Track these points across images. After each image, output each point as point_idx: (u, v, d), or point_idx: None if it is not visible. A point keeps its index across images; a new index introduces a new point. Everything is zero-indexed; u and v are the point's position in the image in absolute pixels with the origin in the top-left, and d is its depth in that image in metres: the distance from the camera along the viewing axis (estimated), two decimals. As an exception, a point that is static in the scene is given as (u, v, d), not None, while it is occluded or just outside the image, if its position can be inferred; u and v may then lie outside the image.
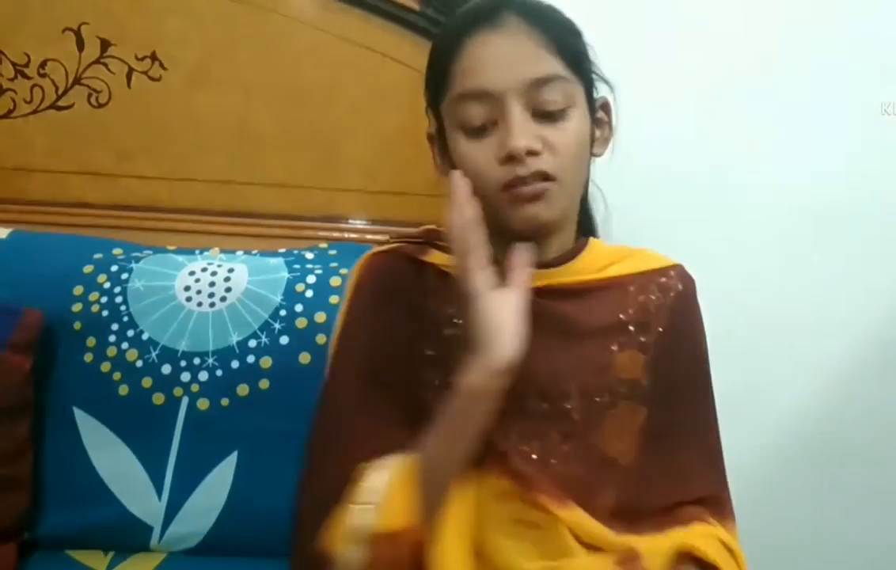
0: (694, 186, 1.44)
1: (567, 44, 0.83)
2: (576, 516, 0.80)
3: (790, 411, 1.63)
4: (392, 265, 0.89)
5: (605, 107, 0.91)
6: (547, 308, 0.84)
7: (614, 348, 0.85)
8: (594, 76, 0.89)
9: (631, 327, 0.86)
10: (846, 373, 1.62)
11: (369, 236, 1.43)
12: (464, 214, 0.77)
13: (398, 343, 0.85)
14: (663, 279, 0.89)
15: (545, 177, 0.79)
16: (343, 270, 1.23)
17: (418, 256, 0.88)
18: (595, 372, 0.84)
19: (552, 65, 0.81)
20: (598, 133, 0.89)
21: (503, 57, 0.80)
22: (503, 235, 0.82)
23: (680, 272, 0.91)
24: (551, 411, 0.83)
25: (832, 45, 1.42)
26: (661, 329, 0.87)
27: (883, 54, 1.43)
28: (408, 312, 0.86)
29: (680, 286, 0.89)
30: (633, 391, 0.85)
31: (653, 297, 0.88)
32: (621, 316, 0.86)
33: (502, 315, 0.75)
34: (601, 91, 0.92)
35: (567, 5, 0.88)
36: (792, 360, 1.59)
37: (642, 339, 0.86)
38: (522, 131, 0.78)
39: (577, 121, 0.82)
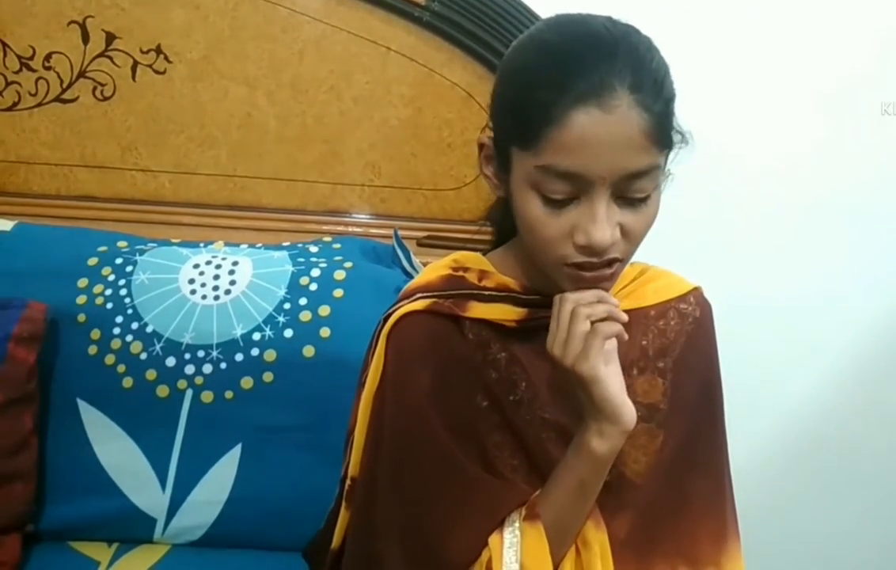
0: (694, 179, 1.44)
1: (666, 125, 0.75)
2: (602, 540, 0.81)
3: (795, 403, 1.64)
4: (430, 326, 0.83)
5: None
6: None
7: (634, 372, 0.85)
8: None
9: (650, 353, 0.87)
10: (851, 366, 1.63)
11: (373, 230, 1.43)
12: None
13: (456, 399, 0.83)
14: (682, 305, 0.89)
15: (614, 261, 0.76)
16: (348, 264, 1.24)
17: (458, 312, 0.83)
18: None
19: (652, 156, 0.73)
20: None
21: (609, 145, 0.71)
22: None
23: (698, 297, 0.91)
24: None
25: (832, 45, 1.42)
26: (677, 353, 0.87)
27: (883, 54, 1.43)
28: (455, 370, 0.83)
29: (698, 313, 0.90)
30: (651, 415, 0.85)
31: (672, 323, 0.88)
32: (643, 342, 0.87)
33: (618, 385, 0.78)
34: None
35: None
36: (797, 353, 1.59)
37: (660, 364, 0.87)
38: (607, 224, 0.73)
39: (656, 197, 0.77)
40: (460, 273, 0.86)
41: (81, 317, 1.14)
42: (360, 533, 0.84)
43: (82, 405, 1.11)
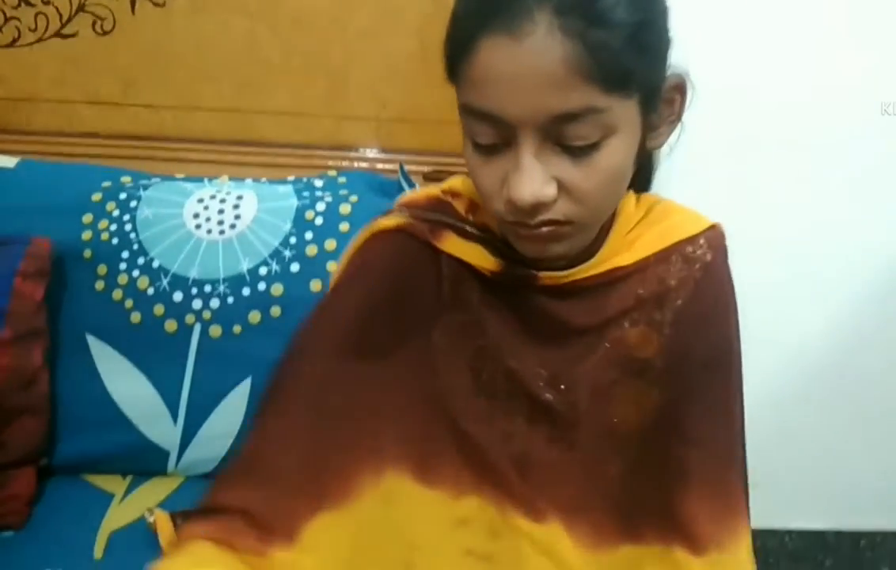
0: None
1: (610, 57, 0.59)
2: (552, 535, 0.73)
3: (808, 337, 1.63)
4: (401, 248, 0.76)
5: (679, 89, 0.70)
6: (550, 309, 0.75)
7: (626, 324, 0.75)
8: (665, 70, 0.68)
9: (646, 303, 0.76)
10: (864, 301, 1.62)
11: (380, 165, 1.41)
12: None
13: (408, 332, 0.76)
14: (690, 248, 0.76)
15: (557, 223, 0.65)
16: (353, 198, 1.22)
17: (431, 240, 0.75)
18: (602, 364, 0.76)
19: (585, 94, 0.59)
20: (658, 122, 0.70)
21: (521, 79, 0.59)
22: None
23: (712, 239, 0.77)
24: (552, 407, 0.76)
25: (832, 45, 1.40)
26: (679, 303, 0.75)
27: (883, 54, 1.41)
28: (417, 300, 0.76)
29: (708, 257, 0.76)
30: (644, 371, 0.76)
31: (674, 268, 0.76)
32: (639, 291, 0.76)
33: None
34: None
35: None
36: (811, 288, 1.58)
37: (657, 316, 0.75)
38: (531, 179, 0.62)
39: (614, 148, 0.63)
40: (448, 198, 0.78)
41: (87, 253, 1.13)
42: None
43: (92, 341, 1.12)
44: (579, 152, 0.62)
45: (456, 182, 0.82)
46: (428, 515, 0.72)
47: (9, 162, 1.22)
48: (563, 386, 0.75)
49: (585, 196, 0.64)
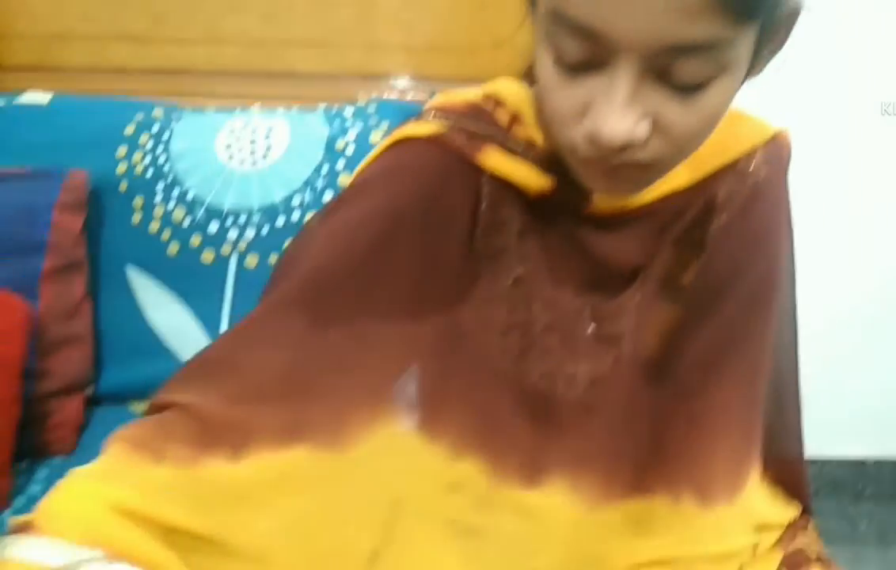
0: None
1: None
2: (547, 499, 0.65)
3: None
4: (435, 160, 0.64)
5: (792, 17, 0.57)
6: (597, 241, 0.66)
7: (666, 242, 0.66)
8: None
9: (688, 218, 0.66)
10: (865, 298, 1.63)
11: (410, 95, 1.40)
12: None
13: (439, 256, 0.65)
14: (743, 163, 0.66)
15: (642, 165, 0.55)
16: (384, 125, 1.21)
17: (470, 153, 0.64)
18: (642, 292, 0.67)
19: (715, 26, 0.48)
20: (767, 54, 0.58)
21: None
22: None
23: (772, 151, 0.67)
24: (591, 344, 0.67)
25: (832, 45, 1.37)
26: (722, 221, 0.65)
27: (883, 54, 1.39)
28: (451, 220, 0.65)
29: (762, 173, 0.66)
30: (677, 295, 0.66)
31: (724, 184, 0.66)
32: (688, 212, 0.66)
33: None
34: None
35: None
36: (812, 287, 1.58)
37: (697, 233, 0.66)
38: (625, 114, 0.51)
39: (723, 88, 0.53)
40: (489, 107, 0.66)
41: (123, 185, 1.14)
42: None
43: (131, 272, 1.14)
44: (684, 90, 0.51)
45: (500, 87, 0.68)
46: (423, 472, 0.62)
47: (42, 98, 1.23)
48: (605, 321, 0.66)
49: (680, 138, 0.54)
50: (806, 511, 0.74)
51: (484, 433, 0.65)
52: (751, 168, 0.66)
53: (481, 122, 0.65)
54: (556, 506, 0.64)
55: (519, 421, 0.65)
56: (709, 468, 0.64)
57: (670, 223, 0.65)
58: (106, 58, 1.36)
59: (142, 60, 1.37)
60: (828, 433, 1.72)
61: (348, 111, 1.26)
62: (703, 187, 0.65)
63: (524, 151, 0.65)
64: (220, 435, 0.55)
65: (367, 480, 0.59)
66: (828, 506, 1.75)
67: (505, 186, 0.64)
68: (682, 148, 0.55)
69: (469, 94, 0.68)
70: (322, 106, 1.30)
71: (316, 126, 1.21)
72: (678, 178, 0.64)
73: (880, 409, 1.73)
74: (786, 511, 0.72)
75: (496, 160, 0.64)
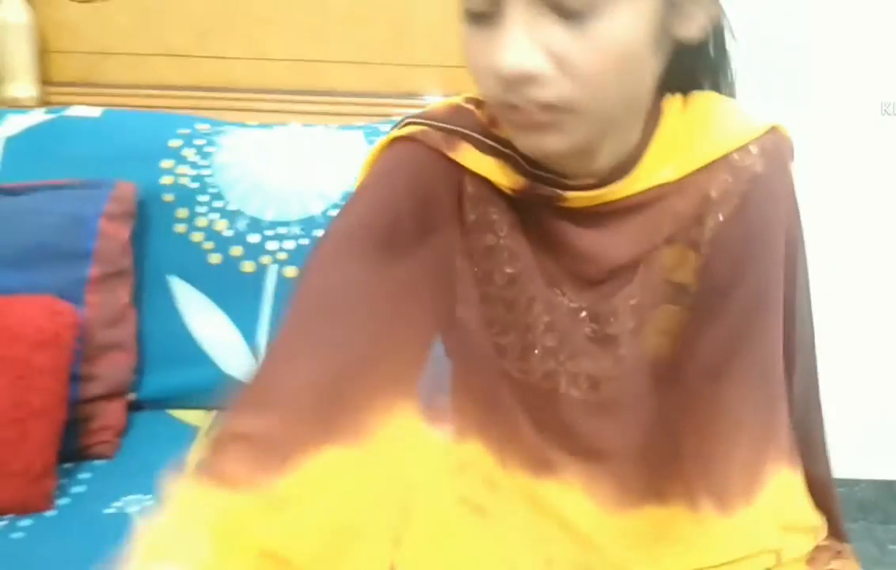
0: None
1: None
2: (560, 492, 0.65)
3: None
4: (420, 157, 0.66)
5: None
6: (580, 238, 0.65)
7: (660, 242, 0.65)
8: None
9: (685, 218, 0.65)
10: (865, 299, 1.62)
11: (445, 113, 1.42)
12: None
13: (435, 251, 0.66)
14: (737, 157, 0.65)
15: (554, 109, 0.55)
16: (421, 141, 1.24)
17: (446, 150, 0.66)
18: (637, 292, 0.66)
19: None
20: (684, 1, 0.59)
21: None
22: None
23: (767, 145, 0.65)
24: (590, 344, 0.67)
25: (832, 45, 1.39)
26: (720, 219, 0.64)
27: (883, 54, 1.40)
28: (440, 217, 0.66)
29: (759, 167, 0.64)
30: (678, 296, 0.65)
31: (719, 180, 0.64)
32: (678, 207, 0.65)
33: None
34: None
35: None
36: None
37: (694, 233, 0.64)
38: (516, 44, 0.53)
39: (619, 18, 0.53)
40: (471, 107, 0.67)
41: (168, 197, 1.18)
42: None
43: (173, 280, 1.17)
44: (576, 18, 0.53)
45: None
46: (431, 454, 0.65)
47: (94, 112, 1.27)
48: (602, 322, 0.66)
49: (584, 74, 0.54)
50: (838, 532, 0.71)
51: (485, 421, 0.66)
52: (745, 162, 0.64)
53: (461, 122, 0.66)
54: (571, 502, 0.65)
55: (520, 413, 0.67)
56: (724, 473, 0.63)
57: (661, 221, 0.64)
58: (150, 74, 1.41)
59: (185, 77, 1.41)
60: (856, 455, 1.72)
61: (384, 127, 1.29)
62: (694, 183, 0.64)
63: (502, 148, 0.65)
64: (270, 457, 0.57)
65: (386, 468, 0.61)
66: (856, 528, 1.74)
67: (485, 184, 0.66)
68: (589, 88, 0.55)
69: (453, 99, 0.70)
70: (359, 122, 1.33)
71: (353, 142, 1.24)
72: (664, 172, 0.64)
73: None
74: (813, 515, 0.70)
75: (471, 157, 0.65)
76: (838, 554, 0.71)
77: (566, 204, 0.63)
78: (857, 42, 1.40)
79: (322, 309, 0.63)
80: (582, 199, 0.63)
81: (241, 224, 1.17)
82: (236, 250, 1.16)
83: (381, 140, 0.69)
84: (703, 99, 0.67)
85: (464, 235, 0.66)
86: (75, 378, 1.06)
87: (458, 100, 0.69)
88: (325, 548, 0.57)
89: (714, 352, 0.64)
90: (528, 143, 0.59)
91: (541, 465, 0.66)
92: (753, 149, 0.65)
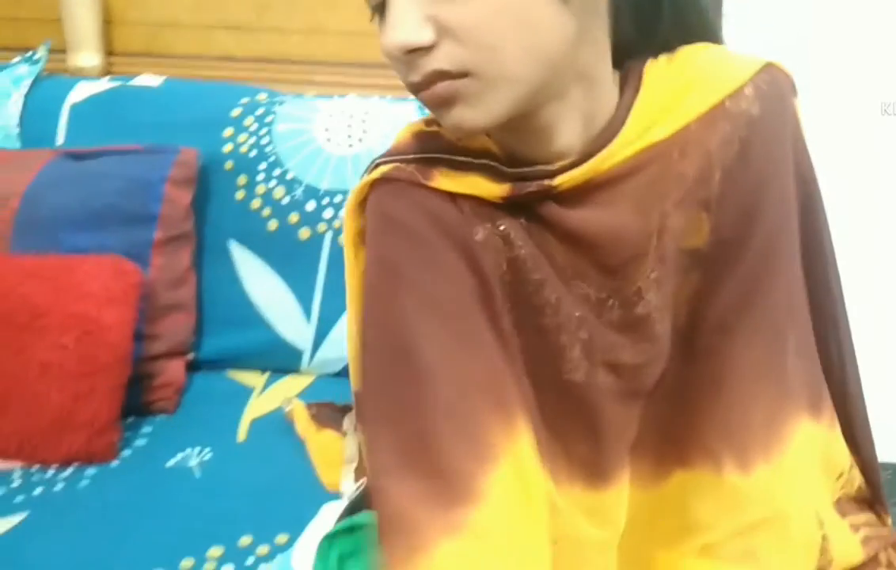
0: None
1: None
2: (610, 499, 0.64)
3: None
4: (403, 195, 0.63)
5: None
6: (582, 221, 0.62)
7: (668, 207, 0.62)
8: None
9: (690, 179, 0.62)
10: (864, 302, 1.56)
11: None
12: None
13: (453, 287, 0.63)
14: (731, 104, 0.61)
15: (450, 76, 0.54)
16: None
17: (422, 180, 0.63)
18: (651, 268, 0.64)
19: None
20: None
21: None
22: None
23: (762, 87, 0.62)
24: (616, 336, 0.65)
25: (832, 45, 1.37)
26: (722, 171, 0.61)
27: (883, 54, 1.38)
28: (450, 250, 0.63)
29: (755, 110, 0.61)
30: (695, 263, 0.63)
31: (718, 131, 0.61)
32: (680, 167, 0.62)
33: None
34: None
35: None
36: None
37: (702, 193, 0.62)
38: (400, 20, 0.53)
39: None
40: (434, 129, 0.65)
41: (228, 164, 1.21)
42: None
43: (233, 245, 1.20)
44: None
45: None
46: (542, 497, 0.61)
47: (155, 81, 1.31)
48: (626, 304, 0.64)
49: (471, 36, 0.53)
50: (879, 496, 0.70)
51: (542, 443, 0.63)
52: (741, 107, 0.61)
53: (429, 147, 0.64)
54: (623, 500, 0.65)
55: (565, 422, 0.65)
56: (743, 432, 0.61)
57: (665, 186, 0.62)
58: (211, 46, 1.44)
59: (244, 49, 1.44)
60: (891, 439, 1.69)
61: (439, 101, 1.30)
62: (694, 141, 0.61)
63: (474, 160, 0.63)
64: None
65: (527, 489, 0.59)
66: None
67: (479, 200, 0.63)
68: (479, 48, 0.53)
69: (411, 127, 0.69)
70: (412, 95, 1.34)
71: (407, 113, 1.26)
72: (655, 130, 0.61)
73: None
74: (843, 460, 0.67)
75: (448, 181, 0.63)
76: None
77: (559, 189, 0.61)
78: (857, 42, 1.40)
79: (409, 354, 0.60)
80: (572, 178, 0.60)
81: (298, 192, 1.19)
82: (293, 217, 1.19)
83: (360, 185, 0.66)
84: (689, 50, 0.63)
85: (480, 255, 0.63)
86: (139, 336, 1.10)
87: (416, 126, 0.68)
88: None
89: (726, 309, 0.62)
90: (448, 122, 0.57)
91: (596, 476, 0.64)
92: (748, 91, 0.61)
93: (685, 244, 0.62)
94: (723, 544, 0.60)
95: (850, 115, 1.43)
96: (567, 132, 0.60)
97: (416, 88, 0.55)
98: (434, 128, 0.66)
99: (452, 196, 0.63)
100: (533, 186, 0.61)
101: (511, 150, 0.62)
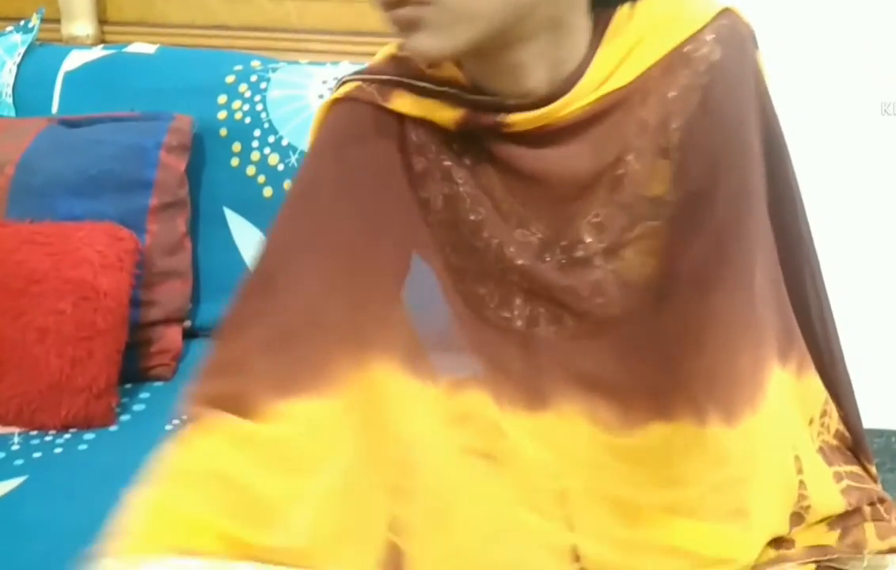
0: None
1: None
2: (560, 423, 0.63)
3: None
4: (355, 117, 0.65)
5: None
6: (536, 161, 0.63)
7: (630, 157, 0.62)
8: None
9: (650, 126, 0.61)
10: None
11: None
12: None
13: (385, 212, 0.65)
14: (688, 48, 0.61)
15: (413, 1, 0.55)
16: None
17: (380, 101, 0.65)
18: (609, 215, 0.63)
19: None
20: None
21: None
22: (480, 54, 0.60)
23: (722, 32, 0.62)
24: (553, 280, 0.65)
25: (832, 45, 1.37)
26: (683, 120, 0.61)
27: (883, 54, 1.39)
28: (381, 180, 0.65)
29: (717, 55, 0.61)
30: (657, 211, 0.62)
31: (678, 77, 0.61)
32: (641, 114, 0.62)
33: None
34: None
35: None
36: None
37: (662, 141, 0.61)
38: None
39: None
40: (405, 54, 0.65)
41: (223, 131, 1.21)
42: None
43: (228, 213, 1.20)
44: None
45: None
46: (421, 410, 0.62)
47: (149, 49, 1.31)
48: (568, 248, 0.64)
49: None
50: (864, 451, 0.70)
51: (477, 369, 0.64)
52: (701, 51, 0.61)
53: (395, 71, 0.65)
54: (574, 432, 0.63)
55: (510, 359, 0.65)
56: (728, 384, 0.61)
57: (622, 133, 0.61)
58: (203, 14, 1.43)
59: (238, 17, 1.43)
60: (892, 405, 1.71)
61: (434, 68, 1.30)
62: (654, 88, 0.61)
63: (438, 88, 0.63)
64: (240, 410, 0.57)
65: (370, 424, 0.60)
66: (892, 479, 1.73)
67: (429, 130, 0.64)
68: None
69: (389, 48, 0.69)
70: (408, 63, 1.34)
71: (403, 81, 1.26)
72: (616, 78, 0.61)
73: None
74: (812, 407, 0.67)
75: (406, 103, 0.64)
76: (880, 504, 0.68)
77: (512, 129, 0.61)
78: (857, 42, 1.40)
79: (276, 271, 0.63)
80: (527, 120, 0.61)
81: (293, 159, 1.19)
82: (288, 184, 1.19)
83: (323, 102, 0.68)
84: None
85: (416, 187, 0.65)
86: (136, 303, 1.10)
87: (392, 48, 0.68)
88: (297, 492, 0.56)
89: (700, 262, 0.62)
90: (410, 46, 0.57)
91: (536, 400, 0.64)
92: (707, 36, 0.61)
93: (646, 192, 0.61)
94: (709, 500, 0.60)
95: (850, 115, 1.44)
96: (534, 75, 0.60)
97: (385, 7, 0.56)
98: (406, 54, 0.64)
99: (405, 124, 0.64)
100: (488, 120, 0.61)
101: (478, 83, 0.62)
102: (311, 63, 1.30)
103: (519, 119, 0.61)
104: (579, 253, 0.63)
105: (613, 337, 0.63)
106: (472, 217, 0.64)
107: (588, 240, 0.63)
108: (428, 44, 0.56)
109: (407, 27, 0.56)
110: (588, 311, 0.63)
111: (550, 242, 0.63)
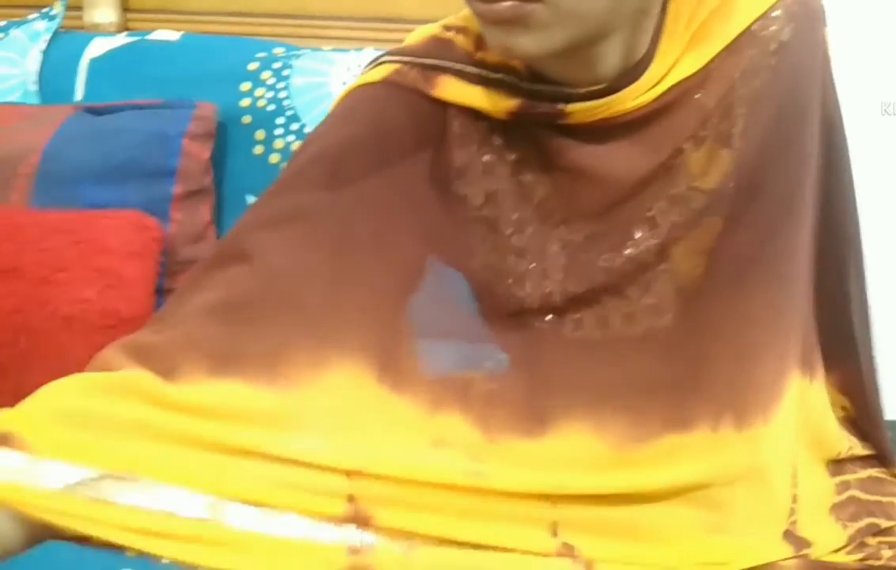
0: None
1: None
2: (561, 446, 0.58)
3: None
4: (390, 104, 0.61)
5: None
6: (591, 160, 0.59)
7: (686, 147, 0.58)
8: None
9: (709, 111, 0.57)
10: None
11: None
12: None
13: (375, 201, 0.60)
14: (759, 26, 0.57)
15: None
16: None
17: (425, 87, 0.60)
18: (658, 213, 0.59)
19: None
20: None
21: None
22: None
23: (792, 9, 0.58)
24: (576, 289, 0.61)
25: (832, 45, 1.35)
26: (748, 102, 0.57)
27: (883, 54, 1.37)
28: (395, 160, 0.61)
29: (786, 34, 0.57)
30: (714, 206, 0.58)
31: (744, 58, 0.57)
32: (697, 95, 0.58)
33: None
34: None
35: None
36: None
37: (724, 126, 0.57)
38: None
39: None
40: (450, 36, 0.61)
41: (246, 119, 1.21)
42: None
43: (251, 200, 1.19)
44: None
45: (462, 15, 0.63)
46: (398, 423, 0.56)
47: (173, 36, 1.30)
48: (616, 248, 0.60)
49: None
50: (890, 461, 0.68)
51: (465, 387, 0.59)
52: (770, 30, 0.57)
53: (441, 54, 0.61)
54: (576, 453, 0.58)
55: (513, 372, 0.60)
56: (747, 391, 0.58)
57: (684, 121, 0.57)
58: (227, 1, 1.43)
59: (261, 5, 1.42)
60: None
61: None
62: (718, 70, 0.57)
63: (489, 74, 0.59)
64: (157, 363, 0.53)
65: (323, 422, 0.54)
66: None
67: (475, 121, 0.60)
68: None
69: (429, 28, 0.65)
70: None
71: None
72: (683, 66, 0.57)
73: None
74: (832, 427, 0.66)
75: (454, 90, 0.59)
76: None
77: (569, 120, 0.57)
78: (857, 42, 1.37)
79: (249, 239, 0.58)
80: (587, 111, 0.57)
81: (317, 147, 1.19)
82: (312, 173, 1.18)
83: (350, 84, 0.63)
84: None
85: (454, 183, 0.60)
86: (160, 291, 1.11)
87: (434, 29, 0.64)
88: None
89: (742, 259, 0.58)
90: (498, 40, 0.53)
91: (535, 423, 0.58)
92: (777, 13, 0.57)
93: (701, 184, 0.58)
94: (700, 490, 0.57)
95: (850, 115, 1.44)
96: (608, 63, 0.57)
97: (484, 4, 0.51)
98: (450, 34, 0.62)
99: (447, 112, 0.60)
100: (545, 108, 0.57)
101: (538, 70, 0.58)
102: (334, 50, 1.29)
103: (579, 109, 0.57)
104: (628, 250, 0.59)
105: (658, 340, 0.60)
106: (513, 216, 0.60)
107: (638, 235, 0.59)
108: (525, 43, 0.52)
109: (505, 23, 0.52)
110: (634, 313, 0.60)
111: (597, 240, 0.60)
